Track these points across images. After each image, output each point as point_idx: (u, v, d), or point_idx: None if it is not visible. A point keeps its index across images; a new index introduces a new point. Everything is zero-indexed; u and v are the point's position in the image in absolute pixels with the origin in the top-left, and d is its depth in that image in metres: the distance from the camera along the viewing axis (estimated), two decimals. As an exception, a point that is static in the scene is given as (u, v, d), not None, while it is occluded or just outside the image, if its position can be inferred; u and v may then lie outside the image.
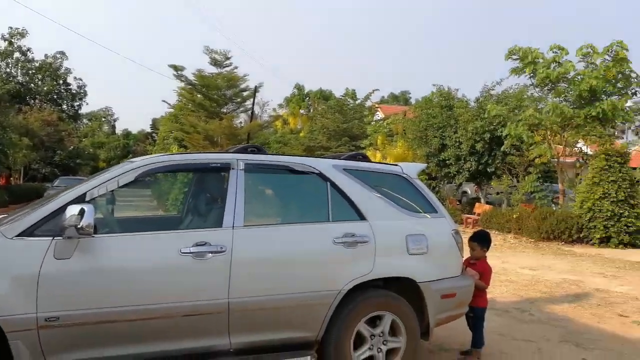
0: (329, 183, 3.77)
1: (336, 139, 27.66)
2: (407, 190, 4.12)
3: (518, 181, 16.10)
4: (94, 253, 3.05)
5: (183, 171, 4.44)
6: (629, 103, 15.00)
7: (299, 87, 51.29)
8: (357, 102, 31.57)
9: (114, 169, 3.46)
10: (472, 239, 4.53)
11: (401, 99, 68.02)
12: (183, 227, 4.11)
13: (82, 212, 2.93)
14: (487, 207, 16.56)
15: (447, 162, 18.12)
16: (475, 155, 16.99)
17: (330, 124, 28.18)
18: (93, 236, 3.02)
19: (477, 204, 17.65)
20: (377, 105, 35.04)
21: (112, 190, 3.33)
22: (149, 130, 72.02)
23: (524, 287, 7.43)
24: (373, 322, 3.68)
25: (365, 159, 4.23)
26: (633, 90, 13.74)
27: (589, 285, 7.64)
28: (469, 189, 22.73)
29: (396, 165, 4.35)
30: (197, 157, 3.78)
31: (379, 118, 31.16)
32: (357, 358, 3.57)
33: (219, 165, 3.60)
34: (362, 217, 3.75)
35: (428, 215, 4.05)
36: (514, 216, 13.77)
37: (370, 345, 3.64)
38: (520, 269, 8.91)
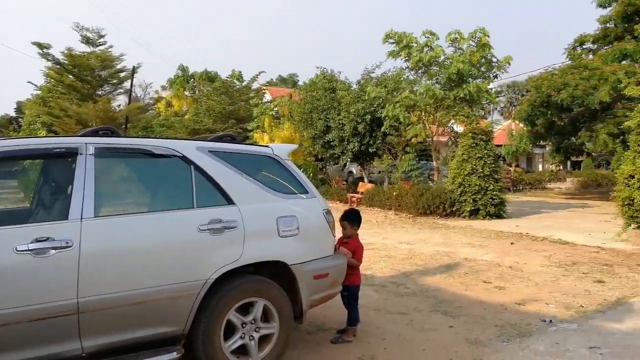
0: (193, 166, 3.54)
1: (222, 122, 27.02)
2: (277, 172, 4.02)
3: (397, 160, 16.86)
4: None
5: (20, 159, 3.90)
6: (492, 85, 16.28)
7: (183, 69, 49.19)
8: (243, 83, 31.07)
9: None
10: (343, 218, 4.56)
11: (289, 81, 68.23)
12: (29, 221, 3.65)
13: None
14: (370, 185, 17.17)
15: (332, 143, 18.46)
16: (358, 136, 17.48)
17: (216, 106, 27.45)
18: None
19: (360, 183, 18.24)
20: (264, 88, 34.75)
21: None
22: (13, 114, 64.96)
23: (401, 261, 7.75)
24: (245, 309, 3.55)
25: (234, 140, 4.04)
26: (495, 74, 14.90)
27: (459, 255, 8.17)
28: (354, 169, 23.43)
29: (267, 146, 4.22)
30: (37, 142, 3.32)
31: (266, 100, 30.93)
32: (227, 348, 3.42)
33: (63, 150, 3.19)
34: (229, 202, 3.58)
35: (299, 196, 3.98)
36: (394, 193, 14.41)
37: (242, 334, 3.51)
38: (399, 243, 9.31)
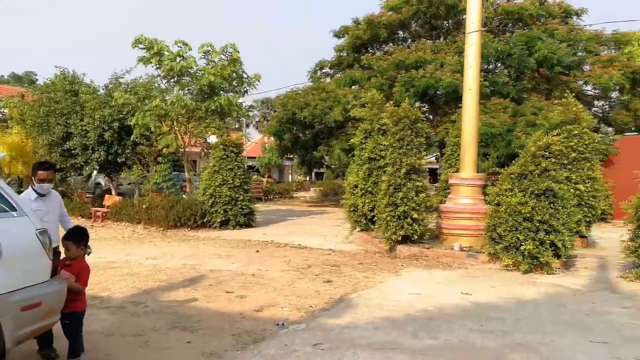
0: None
1: None
2: (-26, 187, 3.37)
3: (148, 171, 16.16)
4: None
5: None
6: (245, 99, 16.97)
7: None
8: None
9: None
10: (66, 237, 4.08)
11: (26, 80, 59.75)
12: None
13: None
14: (117, 198, 16.03)
15: (74, 151, 16.65)
16: (104, 145, 16.16)
17: None
18: None
19: (107, 196, 16.88)
20: (-12, 85, 29.54)
21: None
22: None
23: (144, 278, 7.35)
24: None
25: None
26: (245, 89, 15.56)
27: (206, 267, 8.16)
28: (102, 180, 21.61)
29: (-40, 155, 3.50)
30: None
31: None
32: None
33: None
34: None
35: (4, 215, 3.40)
36: (144, 206, 13.74)
37: None
38: (145, 259, 8.85)
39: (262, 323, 5.22)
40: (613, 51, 21.11)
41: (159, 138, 15.05)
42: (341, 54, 24.43)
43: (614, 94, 21.42)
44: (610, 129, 21.94)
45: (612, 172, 15.14)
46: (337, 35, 24.02)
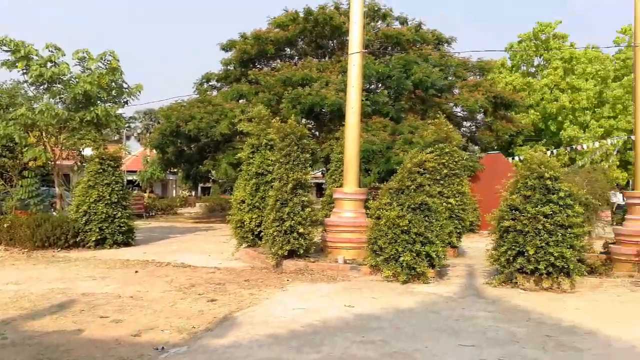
0: None
1: None
2: None
3: (12, 186, 14.65)
4: None
5: None
6: (125, 110, 16.10)
7: None
8: None
9: None
10: None
11: None
12: None
13: None
14: (-27, 217, 14.30)
15: None
16: (-43, 157, 14.43)
17: None
18: None
19: (-40, 215, 14.98)
20: None
21: None
22: None
23: (3, 306, 6.57)
24: None
25: None
26: (125, 99, 14.74)
27: (77, 291, 7.52)
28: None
29: None
30: None
31: None
32: None
33: None
34: None
35: None
36: (5, 225, 12.36)
37: None
38: (4, 285, 7.93)
39: (139, 348, 4.91)
40: (478, 77, 23.40)
41: (24, 150, 13.73)
42: (228, 67, 24.26)
43: (479, 116, 23.68)
44: (476, 147, 24.19)
45: (478, 187, 16.58)
46: (225, 48, 23.83)
